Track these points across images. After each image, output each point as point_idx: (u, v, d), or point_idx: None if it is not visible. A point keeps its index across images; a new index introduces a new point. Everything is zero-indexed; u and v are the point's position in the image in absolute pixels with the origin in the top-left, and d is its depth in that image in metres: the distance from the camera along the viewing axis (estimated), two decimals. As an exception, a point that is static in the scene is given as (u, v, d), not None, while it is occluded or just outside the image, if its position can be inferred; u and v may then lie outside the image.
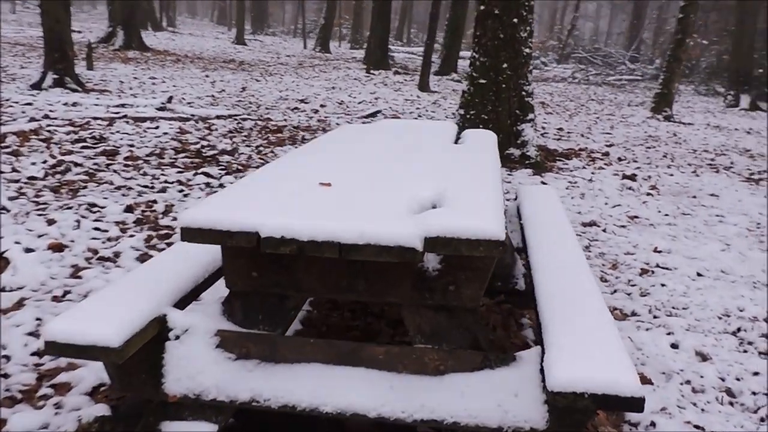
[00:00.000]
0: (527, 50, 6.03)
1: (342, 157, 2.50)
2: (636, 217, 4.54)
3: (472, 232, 1.64)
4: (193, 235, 1.72)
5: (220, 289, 2.34)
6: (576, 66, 23.04)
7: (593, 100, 14.28)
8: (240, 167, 5.23)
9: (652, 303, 3.12)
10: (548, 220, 2.84)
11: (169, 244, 3.46)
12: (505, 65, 5.95)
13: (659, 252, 3.82)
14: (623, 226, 4.31)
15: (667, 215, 4.67)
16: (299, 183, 2.06)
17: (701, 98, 18.18)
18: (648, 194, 5.28)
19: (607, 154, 7.11)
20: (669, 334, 2.82)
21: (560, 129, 8.93)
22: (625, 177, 5.82)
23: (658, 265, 3.61)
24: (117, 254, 3.26)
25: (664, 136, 9.18)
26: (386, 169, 2.31)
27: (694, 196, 5.35)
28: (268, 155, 5.80)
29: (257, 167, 5.30)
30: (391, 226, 1.68)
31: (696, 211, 4.87)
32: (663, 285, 3.33)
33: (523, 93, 6.07)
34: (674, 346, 2.72)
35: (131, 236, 3.51)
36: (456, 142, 3.40)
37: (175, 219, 3.84)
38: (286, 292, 1.91)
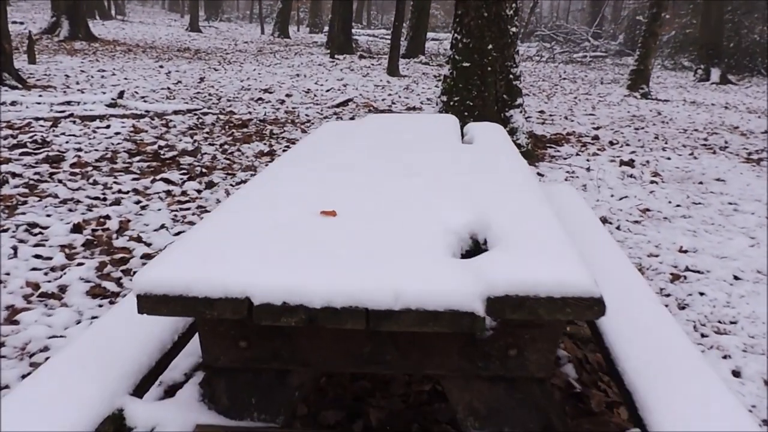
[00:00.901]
0: (513, 29, 5.57)
1: (335, 170, 1.99)
2: (648, 210, 4.15)
3: (555, 287, 1.17)
4: (154, 305, 1.21)
5: (196, 356, 1.82)
6: (540, 44, 22.73)
7: (565, 80, 13.95)
8: (204, 170, 4.66)
9: (695, 317, 2.71)
10: (584, 231, 2.39)
11: (125, 272, 2.91)
12: (490, 46, 5.47)
13: (685, 252, 3.43)
14: (637, 222, 3.90)
15: (678, 206, 4.29)
16: (292, 212, 1.55)
17: (670, 73, 18.06)
18: (652, 182, 4.90)
19: (597, 138, 6.72)
20: (725, 357, 2.41)
21: (542, 112, 8.53)
22: (623, 163, 5.43)
23: (688, 269, 3.21)
24: (63, 288, 2.71)
25: (649, 115, 8.85)
26: (395, 184, 1.81)
27: (701, 182, 4.98)
28: (234, 154, 5.23)
29: (223, 169, 4.74)
30: (436, 280, 1.19)
31: (707, 199, 4.51)
32: (701, 294, 2.93)
33: (511, 76, 5.61)
34: (736, 373, 2.31)
35: (80, 264, 2.95)
36: (462, 140, 2.92)
37: (132, 239, 3.28)
38: (288, 366, 1.41)
